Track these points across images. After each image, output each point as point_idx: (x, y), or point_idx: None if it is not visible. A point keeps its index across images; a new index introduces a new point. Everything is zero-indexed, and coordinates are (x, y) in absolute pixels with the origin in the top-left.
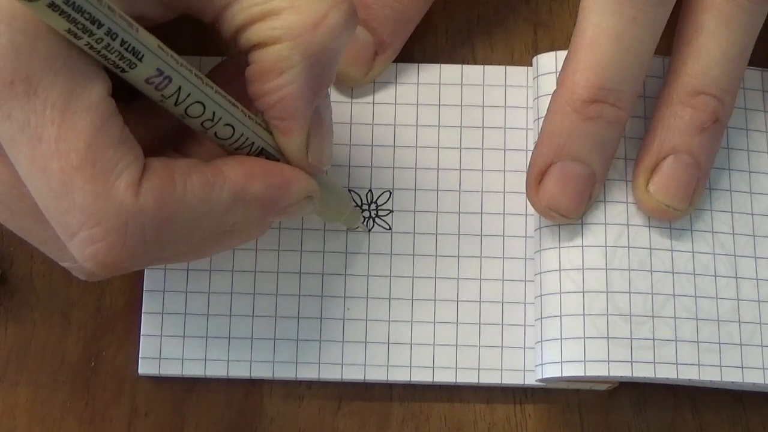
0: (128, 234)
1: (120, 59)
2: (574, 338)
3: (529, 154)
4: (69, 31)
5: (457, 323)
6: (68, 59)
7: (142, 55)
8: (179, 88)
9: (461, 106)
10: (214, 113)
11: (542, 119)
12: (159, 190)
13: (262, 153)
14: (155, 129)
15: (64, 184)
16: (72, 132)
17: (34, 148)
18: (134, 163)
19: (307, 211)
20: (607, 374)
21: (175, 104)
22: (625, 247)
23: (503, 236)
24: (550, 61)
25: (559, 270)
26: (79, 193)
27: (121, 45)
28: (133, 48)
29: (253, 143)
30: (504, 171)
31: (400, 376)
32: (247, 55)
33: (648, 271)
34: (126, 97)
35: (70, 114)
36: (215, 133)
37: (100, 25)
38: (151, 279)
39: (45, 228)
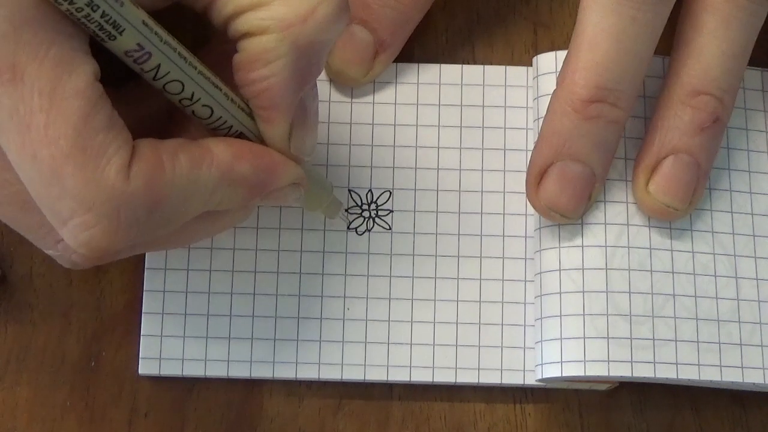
0: (120, 218)
1: (100, 30)
2: (573, 338)
3: (529, 154)
4: None
5: (457, 323)
6: (53, 46)
7: (123, 29)
8: (158, 65)
9: (461, 106)
10: (193, 93)
11: (542, 119)
12: (149, 173)
13: (240, 137)
14: (144, 112)
15: (54, 171)
16: (60, 118)
17: (24, 135)
18: (123, 147)
19: (292, 198)
20: (607, 374)
21: (154, 79)
22: (625, 247)
23: (503, 236)
24: (550, 61)
25: (559, 270)
26: (70, 180)
27: (102, 17)
28: (114, 21)
29: (232, 126)
30: (504, 171)
31: (400, 376)
32: (236, 44)
33: (648, 271)
34: (114, 81)
35: (57, 100)
36: (193, 111)
37: None
38: (151, 279)
39: (29, 215)
